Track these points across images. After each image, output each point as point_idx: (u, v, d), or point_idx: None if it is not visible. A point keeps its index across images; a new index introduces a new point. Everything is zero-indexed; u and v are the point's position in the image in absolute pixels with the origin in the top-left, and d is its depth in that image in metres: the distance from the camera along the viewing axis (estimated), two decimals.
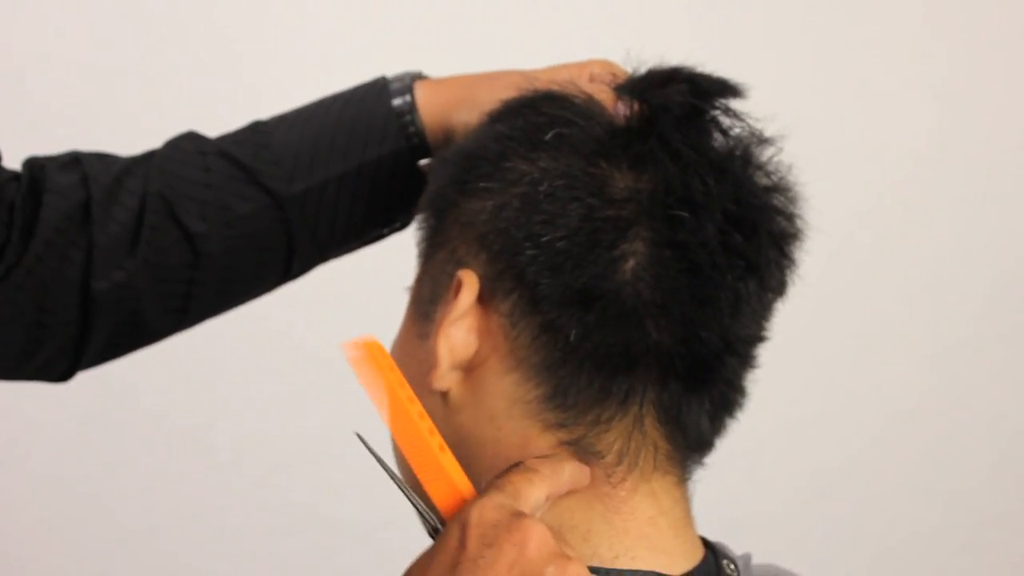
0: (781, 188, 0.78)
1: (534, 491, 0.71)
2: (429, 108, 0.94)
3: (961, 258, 1.81)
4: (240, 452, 1.67)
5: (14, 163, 0.96)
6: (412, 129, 0.94)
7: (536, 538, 0.67)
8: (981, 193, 1.81)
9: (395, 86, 0.96)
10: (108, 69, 1.70)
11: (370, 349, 0.75)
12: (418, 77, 0.97)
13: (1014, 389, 1.83)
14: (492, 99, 0.81)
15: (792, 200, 0.79)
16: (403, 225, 0.99)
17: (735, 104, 0.78)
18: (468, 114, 0.89)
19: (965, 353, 1.80)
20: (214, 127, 0.99)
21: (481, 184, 0.76)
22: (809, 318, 1.66)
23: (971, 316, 1.81)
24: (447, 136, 0.92)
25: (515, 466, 0.72)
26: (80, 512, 1.66)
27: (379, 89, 0.96)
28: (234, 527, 1.68)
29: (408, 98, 0.95)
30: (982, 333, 1.81)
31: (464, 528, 0.68)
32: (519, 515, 0.68)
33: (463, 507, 0.70)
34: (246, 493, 1.67)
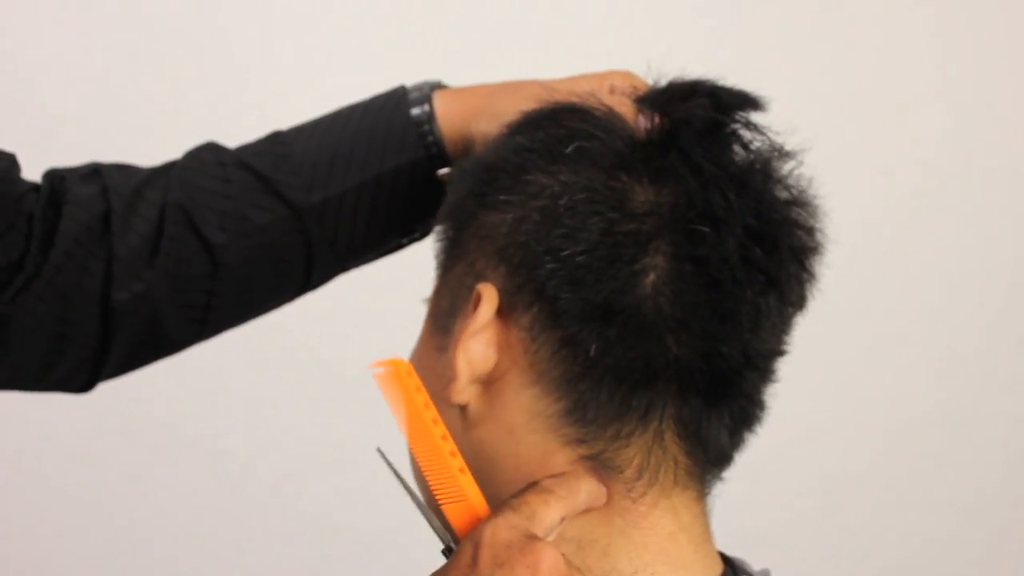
0: (801, 202, 0.78)
1: (549, 513, 0.71)
2: (448, 118, 0.93)
3: (973, 268, 1.81)
4: (252, 461, 1.67)
5: (28, 171, 0.96)
6: (431, 139, 0.94)
7: (548, 561, 0.67)
8: (992, 203, 1.80)
9: (414, 95, 0.95)
10: (116, 75, 1.70)
11: (398, 368, 0.75)
12: (437, 86, 0.96)
13: None
14: (512, 109, 0.81)
15: (812, 214, 0.78)
16: (423, 235, 0.99)
17: (755, 117, 0.78)
18: (488, 124, 0.88)
19: (978, 363, 1.80)
20: (223, 132, 0.99)
21: (501, 197, 0.75)
22: (821, 328, 1.65)
23: (983, 326, 1.80)
24: (466, 146, 0.92)
25: (531, 486, 0.72)
26: (91, 521, 1.65)
27: (398, 99, 0.96)
28: (246, 535, 1.67)
29: (427, 107, 0.94)
30: (995, 342, 1.81)
31: (477, 547, 0.68)
32: (532, 537, 0.68)
33: (477, 526, 0.70)
34: (258, 502, 1.67)
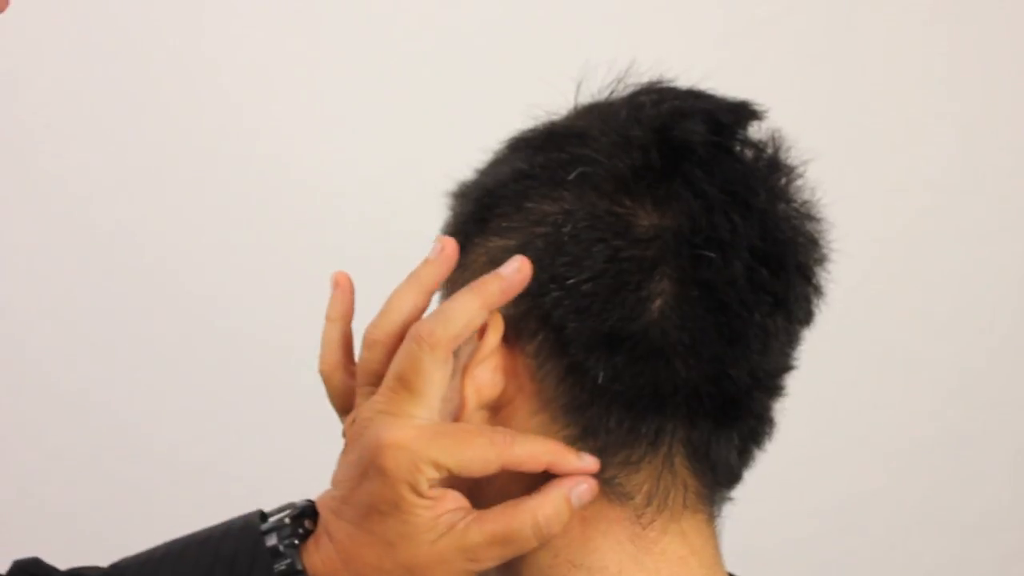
0: (806, 216, 0.77)
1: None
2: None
3: (983, 286, 1.79)
4: (257, 483, 1.66)
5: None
6: None
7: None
8: (1002, 222, 1.79)
9: (272, 546, 0.75)
10: (96, 85, 1.68)
11: None
12: (305, 518, 0.77)
13: None
14: None
15: (818, 225, 0.78)
16: None
17: (755, 127, 0.77)
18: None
19: (989, 382, 1.79)
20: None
21: (503, 224, 0.75)
22: (832, 347, 1.65)
23: (995, 346, 1.79)
24: None
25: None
26: (92, 542, 1.65)
27: (254, 541, 0.76)
28: None
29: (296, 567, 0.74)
30: (1006, 362, 1.79)
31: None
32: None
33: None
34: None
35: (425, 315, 0.75)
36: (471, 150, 0.82)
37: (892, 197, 1.76)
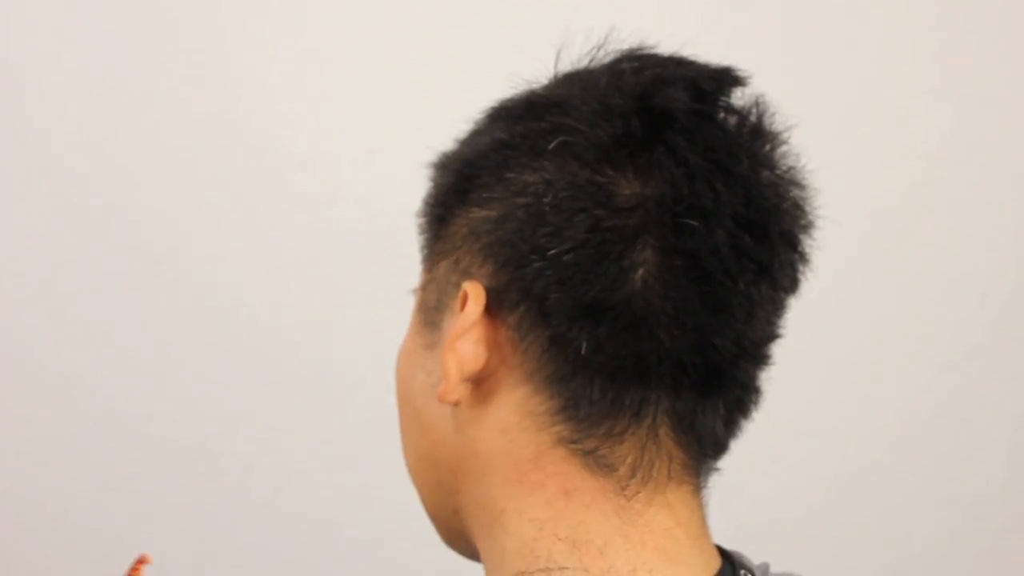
0: (790, 181, 0.76)
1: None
2: None
3: (977, 261, 1.78)
4: (251, 462, 1.66)
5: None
6: None
7: None
8: (996, 196, 1.78)
9: None
10: (101, 72, 1.67)
11: None
12: None
13: None
14: None
15: (802, 191, 0.77)
16: None
17: (738, 93, 0.76)
18: None
19: (984, 357, 1.78)
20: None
21: (484, 194, 0.74)
22: (826, 323, 1.65)
23: (990, 320, 1.79)
24: None
25: None
26: (88, 521, 1.65)
27: None
28: (245, 537, 1.66)
29: None
30: (1001, 336, 1.79)
31: None
32: None
33: None
34: (258, 503, 1.65)
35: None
36: (451, 121, 0.81)
37: (882, 172, 1.75)
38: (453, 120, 0.81)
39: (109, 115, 1.65)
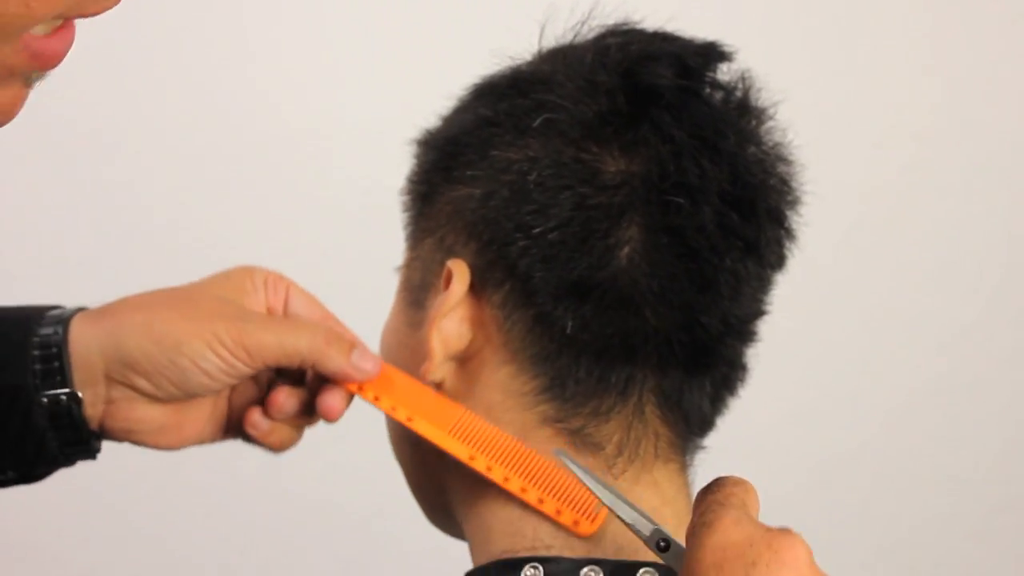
0: (776, 157, 0.76)
1: (753, 500, 0.63)
2: (85, 340, 0.77)
3: (969, 242, 1.78)
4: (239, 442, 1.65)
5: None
6: (50, 365, 0.76)
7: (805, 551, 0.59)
8: (987, 175, 1.77)
9: (51, 315, 0.78)
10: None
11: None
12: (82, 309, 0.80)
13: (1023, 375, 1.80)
14: (183, 336, 0.75)
15: (788, 167, 0.77)
16: (17, 479, 0.80)
17: (724, 69, 0.76)
18: (150, 344, 0.76)
19: (974, 338, 1.77)
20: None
21: (468, 172, 0.73)
22: (815, 303, 1.64)
23: (980, 301, 1.78)
24: (123, 368, 0.77)
25: (722, 483, 0.63)
26: (74, 495, 1.64)
27: (28, 315, 0.78)
28: (235, 514, 1.65)
29: (59, 330, 0.77)
30: (991, 318, 1.78)
31: (715, 551, 0.59)
32: (774, 529, 0.60)
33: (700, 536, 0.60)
34: (247, 480, 1.64)
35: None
36: (435, 97, 0.80)
37: (873, 152, 1.74)
38: (437, 97, 0.81)
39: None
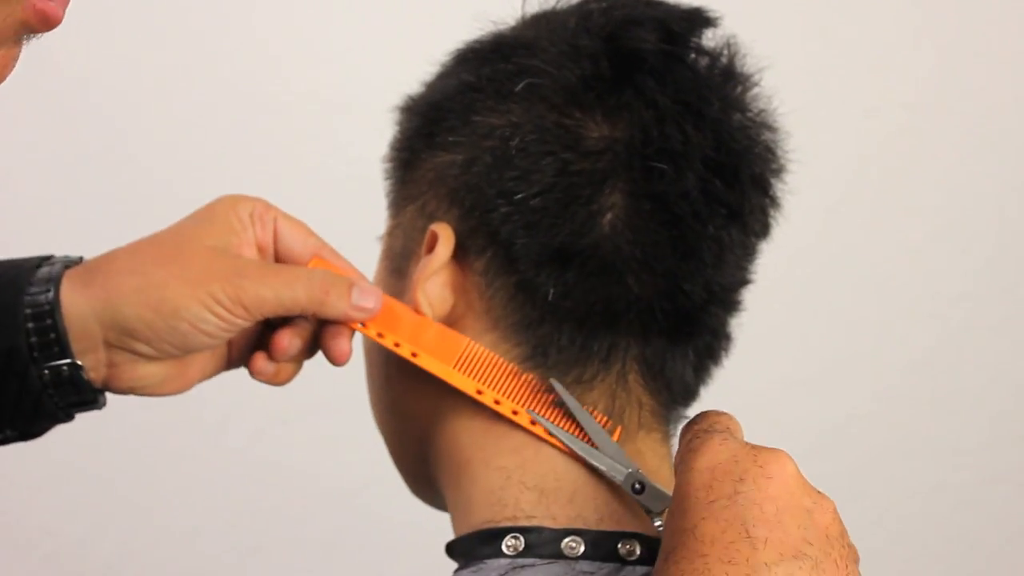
0: (761, 124, 0.75)
1: (736, 426, 0.64)
2: (78, 304, 0.75)
3: (964, 212, 1.77)
4: (228, 411, 1.63)
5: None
6: (46, 337, 0.75)
7: (791, 464, 0.61)
8: (980, 143, 1.76)
9: (42, 272, 0.76)
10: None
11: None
12: (76, 263, 0.78)
13: (1018, 344, 1.80)
14: (182, 301, 0.74)
15: (773, 134, 0.76)
16: (16, 437, 0.80)
17: (709, 35, 0.75)
18: (148, 312, 0.75)
19: (966, 308, 1.77)
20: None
21: (450, 138, 0.73)
22: (808, 273, 1.63)
23: (973, 271, 1.77)
24: (121, 333, 0.76)
25: (705, 414, 0.65)
26: (68, 469, 1.63)
27: (18, 271, 0.77)
28: (223, 487, 1.64)
29: (50, 293, 0.75)
30: (984, 287, 1.77)
31: (702, 473, 0.60)
32: (760, 446, 0.61)
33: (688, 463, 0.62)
34: (235, 452, 1.63)
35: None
36: (417, 63, 0.80)
37: (865, 121, 1.73)
38: (419, 63, 0.80)
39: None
